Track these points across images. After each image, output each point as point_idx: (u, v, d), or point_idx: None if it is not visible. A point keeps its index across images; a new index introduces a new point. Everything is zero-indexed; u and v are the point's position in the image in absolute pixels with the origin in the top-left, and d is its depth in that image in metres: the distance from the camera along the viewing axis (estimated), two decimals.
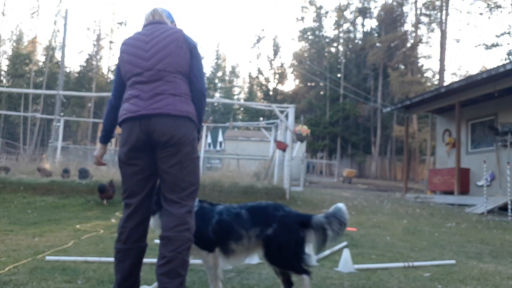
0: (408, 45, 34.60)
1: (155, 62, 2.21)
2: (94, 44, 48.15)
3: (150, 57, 2.22)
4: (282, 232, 2.39)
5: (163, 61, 2.21)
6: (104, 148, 2.64)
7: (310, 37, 44.91)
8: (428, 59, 39.38)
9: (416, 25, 34.26)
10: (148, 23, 2.38)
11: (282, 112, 10.74)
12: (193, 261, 3.45)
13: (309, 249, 2.56)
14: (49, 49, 44.47)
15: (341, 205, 2.67)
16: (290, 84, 61.95)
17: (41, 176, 9.56)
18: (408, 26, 37.38)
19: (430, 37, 38.22)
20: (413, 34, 34.67)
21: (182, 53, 2.26)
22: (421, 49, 40.00)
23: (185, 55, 2.27)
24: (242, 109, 47.63)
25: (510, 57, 29.42)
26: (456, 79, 32.81)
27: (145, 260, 3.36)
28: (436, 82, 33.35)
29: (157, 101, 2.13)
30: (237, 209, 2.51)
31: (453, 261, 3.94)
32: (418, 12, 34.59)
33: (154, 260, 3.39)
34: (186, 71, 2.27)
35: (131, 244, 2.20)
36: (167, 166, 2.14)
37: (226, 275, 3.08)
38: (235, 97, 53.99)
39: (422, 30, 36.03)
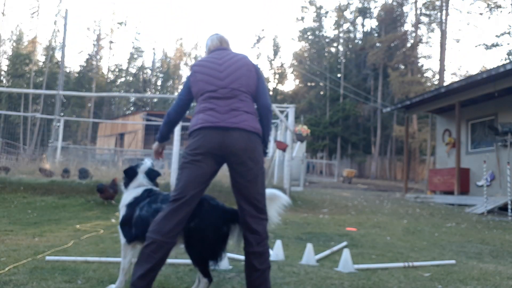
0: (408, 45, 34.60)
1: (229, 82, 2.46)
2: (94, 44, 48.13)
3: (224, 77, 2.47)
4: (203, 226, 2.37)
5: (236, 81, 2.47)
6: (162, 146, 2.88)
7: (310, 37, 44.92)
8: (428, 59, 39.41)
9: (416, 25, 34.26)
10: (216, 49, 2.68)
11: (282, 112, 10.74)
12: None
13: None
14: (49, 49, 44.46)
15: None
16: (290, 84, 61.97)
17: (43, 176, 9.56)
18: (408, 26, 37.42)
19: (430, 37, 38.26)
20: (413, 34, 34.68)
21: (251, 75, 2.53)
22: (421, 49, 40.06)
23: (254, 77, 2.54)
24: None
25: (510, 57, 29.43)
26: (456, 79, 32.81)
27: None
28: (436, 82, 33.35)
29: (234, 116, 2.36)
30: (158, 204, 2.49)
31: (453, 261, 3.94)
32: (418, 12, 34.61)
33: None
34: (254, 92, 2.53)
35: (168, 238, 2.27)
36: (246, 180, 2.34)
37: (226, 275, 3.08)
38: None
39: (422, 30, 36.07)
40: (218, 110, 2.37)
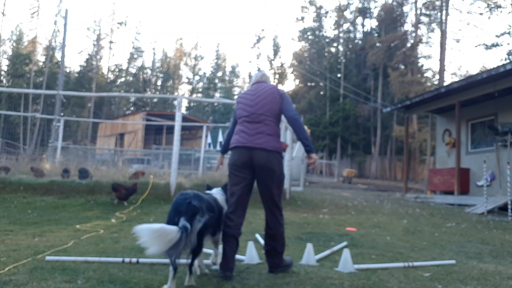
0: (408, 45, 34.59)
1: (257, 108, 3.21)
2: (94, 44, 48.13)
3: (255, 105, 3.24)
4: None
5: (263, 108, 3.20)
6: (223, 157, 3.72)
7: (310, 37, 44.92)
8: (428, 59, 39.39)
9: (416, 25, 34.26)
10: (256, 82, 3.45)
11: None
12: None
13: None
14: (49, 49, 44.48)
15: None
16: (290, 84, 61.91)
17: (34, 176, 9.54)
18: (408, 26, 37.42)
19: (430, 37, 38.18)
20: (413, 34, 34.67)
21: (276, 101, 3.22)
22: (421, 49, 39.96)
23: (278, 101, 3.22)
24: None
25: (510, 57, 29.43)
26: (456, 79, 32.88)
27: (145, 260, 3.38)
28: (436, 82, 33.36)
29: (259, 138, 3.12)
30: None
31: (453, 261, 3.94)
32: (418, 12, 34.61)
33: (155, 260, 3.40)
34: (279, 114, 3.24)
35: (234, 230, 3.10)
36: (265, 185, 3.16)
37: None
38: (235, 97, 53.95)
39: (422, 30, 36.07)
40: (247, 132, 3.17)
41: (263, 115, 3.17)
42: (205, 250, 3.76)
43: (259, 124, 3.16)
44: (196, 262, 2.87)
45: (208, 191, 3.26)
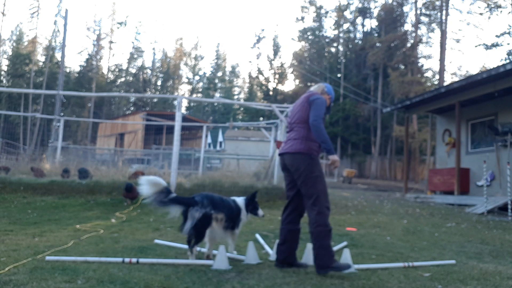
0: (408, 45, 34.58)
1: (292, 118, 3.63)
2: (94, 44, 48.13)
3: (291, 116, 3.66)
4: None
5: (295, 117, 3.58)
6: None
7: (310, 37, 44.89)
8: (428, 59, 39.42)
9: (416, 25, 34.24)
10: (307, 92, 3.70)
11: (282, 112, 10.73)
12: (193, 261, 3.45)
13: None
14: (49, 49, 44.48)
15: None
16: (290, 84, 61.85)
17: (34, 176, 9.53)
18: (408, 26, 37.40)
19: (430, 37, 38.11)
20: (413, 34, 34.65)
21: (305, 109, 3.50)
22: (421, 49, 40.00)
23: (307, 109, 3.48)
24: (242, 109, 47.60)
25: (510, 57, 29.42)
26: (456, 79, 32.88)
27: (145, 260, 3.38)
28: (436, 82, 33.36)
29: (287, 144, 3.55)
30: None
31: (453, 261, 3.94)
32: (418, 12, 34.59)
33: (155, 260, 3.40)
34: (307, 120, 3.44)
35: (284, 225, 3.52)
36: (298, 184, 3.43)
37: (226, 275, 3.08)
38: (235, 97, 54.01)
39: (422, 30, 36.04)
40: (284, 141, 3.62)
41: (294, 123, 3.55)
42: (213, 252, 3.76)
43: (291, 132, 3.57)
44: (198, 248, 3.59)
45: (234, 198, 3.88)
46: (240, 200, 3.81)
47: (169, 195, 3.40)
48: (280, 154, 3.60)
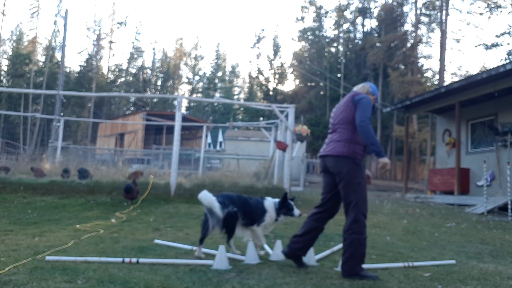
0: (408, 45, 34.57)
1: (335, 119, 3.48)
2: (94, 44, 48.12)
3: (334, 116, 3.50)
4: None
5: (338, 118, 3.43)
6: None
7: (310, 37, 44.88)
8: (428, 59, 39.42)
9: (416, 25, 34.24)
10: (351, 92, 3.53)
11: (282, 112, 10.73)
12: (193, 261, 3.45)
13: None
14: (49, 49, 44.47)
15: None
16: (290, 84, 61.95)
17: (34, 176, 9.53)
18: (408, 26, 37.39)
19: (430, 37, 38.11)
20: (413, 34, 34.65)
21: (348, 109, 3.36)
22: (421, 49, 39.98)
23: (351, 110, 3.34)
24: (242, 109, 47.59)
25: (510, 57, 29.42)
26: (456, 79, 32.88)
27: (145, 260, 3.38)
28: (436, 82, 33.36)
29: (329, 146, 3.41)
30: None
31: (453, 261, 3.94)
32: (418, 12, 34.59)
33: (155, 260, 3.40)
34: (352, 120, 3.31)
35: (310, 219, 3.48)
36: (339, 188, 3.32)
37: (226, 275, 3.08)
38: (235, 97, 53.99)
39: (422, 30, 36.03)
40: (326, 142, 3.49)
41: (338, 124, 3.41)
42: (210, 251, 3.76)
43: (334, 134, 3.43)
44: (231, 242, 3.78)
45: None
46: (268, 202, 3.86)
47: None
48: (321, 156, 3.47)
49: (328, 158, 3.37)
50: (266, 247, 4.26)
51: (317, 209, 3.50)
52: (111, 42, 48.80)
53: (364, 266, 3.54)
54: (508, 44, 31.37)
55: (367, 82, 3.65)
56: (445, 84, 22.22)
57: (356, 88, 3.56)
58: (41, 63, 45.52)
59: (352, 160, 3.27)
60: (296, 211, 3.86)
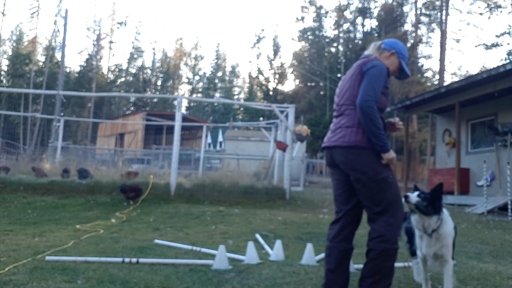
0: (408, 45, 34.59)
1: (340, 98, 2.57)
2: (94, 44, 48.13)
3: (339, 93, 2.59)
4: None
5: (344, 96, 2.53)
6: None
7: (310, 37, 44.93)
8: (428, 59, 39.41)
9: (416, 25, 34.28)
10: (361, 58, 2.61)
11: (282, 112, 10.73)
12: (193, 261, 3.45)
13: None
14: (49, 49, 44.47)
15: None
16: (290, 84, 61.96)
17: (35, 176, 9.53)
18: (408, 26, 37.46)
19: (430, 37, 38.18)
20: (413, 34, 34.70)
21: (356, 84, 2.46)
22: (421, 49, 39.97)
23: (358, 83, 2.46)
24: (242, 109, 47.61)
25: (510, 57, 29.43)
26: (456, 79, 32.85)
27: (145, 260, 3.38)
28: (436, 82, 33.35)
29: (335, 134, 2.49)
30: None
31: (453, 261, 3.93)
32: (418, 12, 34.63)
33: (155, 260, 3.40)
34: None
35: (335, 243, 2.51)
36: (357, 188, 2.45)
37: (226, 275, 3.08)
38: (235, 97, 53.99)
39: (422, 30, 36.08)
40: (331, 128, 2.58)
41: (344, 105, 2.50)
42: (210, 251, 3.75)
43: (340, 117, 2.52)
44: None
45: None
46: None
47: None
48: (326, 148, 2.58)
49: (336, 150, 2.46)
50: (266, 247, 4.26)
51: (335, 225, 2.57)
52: (111, 42, 48.84)
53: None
54: (508, 44, 31.39)
55: (382, 41, 2.68)
56: (445, 84, 22.21)
57: (367, 51, 2.66)
58: (41, 63, 45.53)
59: (369, 151, 2.41)
60: None
